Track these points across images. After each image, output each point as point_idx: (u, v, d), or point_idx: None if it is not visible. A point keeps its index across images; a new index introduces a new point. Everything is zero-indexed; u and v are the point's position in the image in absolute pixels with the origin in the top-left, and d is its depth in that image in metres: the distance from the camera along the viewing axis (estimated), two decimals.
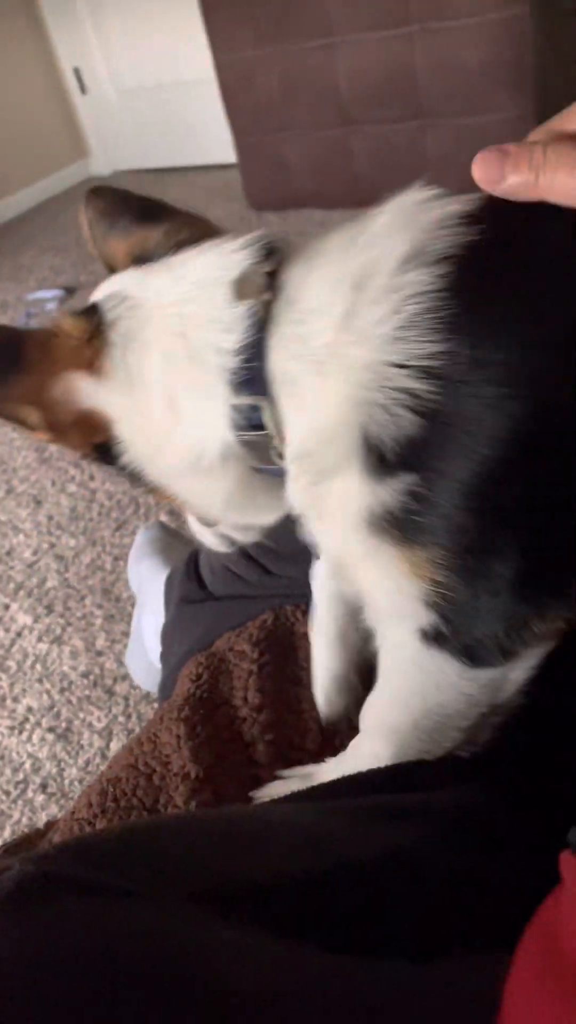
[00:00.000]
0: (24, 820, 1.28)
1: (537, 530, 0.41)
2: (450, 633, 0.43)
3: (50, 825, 0.66)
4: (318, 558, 0.60)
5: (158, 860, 0.36)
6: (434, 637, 0.44)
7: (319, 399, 0.45)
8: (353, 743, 0.53)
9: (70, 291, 3.06)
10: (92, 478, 2.01)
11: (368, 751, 0.51)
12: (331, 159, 3.00)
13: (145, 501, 1.87)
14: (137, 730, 1.37)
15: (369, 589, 0.47)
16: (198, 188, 3.69)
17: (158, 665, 1.05)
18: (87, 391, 0.50)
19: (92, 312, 0.52)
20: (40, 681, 1.51)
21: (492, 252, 0.42)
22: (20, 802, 1.31)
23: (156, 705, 1.40)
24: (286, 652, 0.66)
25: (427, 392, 0.41)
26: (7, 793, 1.33)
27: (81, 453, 0.53)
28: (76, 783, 1.32)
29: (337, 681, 0.62)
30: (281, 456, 0.48)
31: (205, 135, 3.73)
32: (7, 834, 1.27)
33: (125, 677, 1.47)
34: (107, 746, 1.36)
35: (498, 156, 0.40)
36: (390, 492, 0.43)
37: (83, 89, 4.11)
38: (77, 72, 4.06)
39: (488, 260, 0.42)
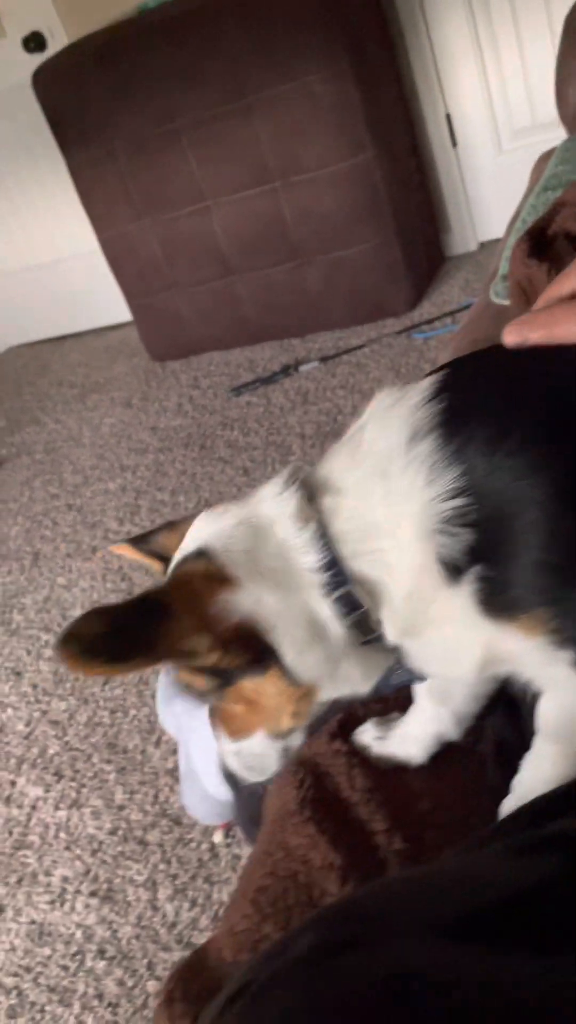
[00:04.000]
0: (90, 991, 1.27)
1: None
2: None
3: (201, 951, 0.69)
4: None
5: (396, 909, 0.44)
6: None
7: (401, 552, 0.57)
8: (536, 746, 0.62)
9: None
10: None
11: (554, 751, 0.61)
12: (220, 306, 3.25)
13: None
14: (181, 874, 1.39)
15: (513, 658, 0.57)
16: (98, 349, 3.89)
17: (219, 797, 1.11)
18: (235, 601, 0.60)
19: (199, 555, 0.62)
20: (68, 848, 1.51)
21: (461, 406, 0.57)
22: (81, 973, 1.30)
23: (195, 845, 1.43)
24: None
25: (466, 505, 0.54)
26: (65, 968, 1.32)
27: (237, 666, 0.61)
28: (134, 940, 1.32)
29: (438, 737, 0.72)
30: (379, 622, 0.60)
31: (95, 300, 3.96)
32: (76, 1009, 1.25)
33: (155, 825, 1.49)
34: (155, 897, 1.37)
35: (519, 325, 0.55)
36: (470, 585, 0.55)
37: None
38: None
39: (461, 409, 0.56)
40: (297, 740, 0.67)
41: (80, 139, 3.08)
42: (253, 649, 0.60)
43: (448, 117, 3.07)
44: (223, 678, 0.62)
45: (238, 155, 2.90)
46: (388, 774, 0.72)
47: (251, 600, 0.60)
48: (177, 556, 0.67)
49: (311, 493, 0.62)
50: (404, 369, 2.64)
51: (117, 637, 0.54)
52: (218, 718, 0.68)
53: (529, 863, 0.54)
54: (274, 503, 0.62)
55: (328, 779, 0.73)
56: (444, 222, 3.26)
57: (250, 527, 0.63)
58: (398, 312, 3.01)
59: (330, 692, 0.64)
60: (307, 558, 0.60)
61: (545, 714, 0.61)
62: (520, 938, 0.45)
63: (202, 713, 1.11)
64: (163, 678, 1.29)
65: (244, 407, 2.84)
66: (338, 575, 0.59)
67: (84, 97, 2.98)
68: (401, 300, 3.01)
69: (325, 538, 0.59)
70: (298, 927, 0.43)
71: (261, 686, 0.62)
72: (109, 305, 3.85)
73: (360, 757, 0.74)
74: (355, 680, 0.64)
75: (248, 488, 2.34)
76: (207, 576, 0.60)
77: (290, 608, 0.60)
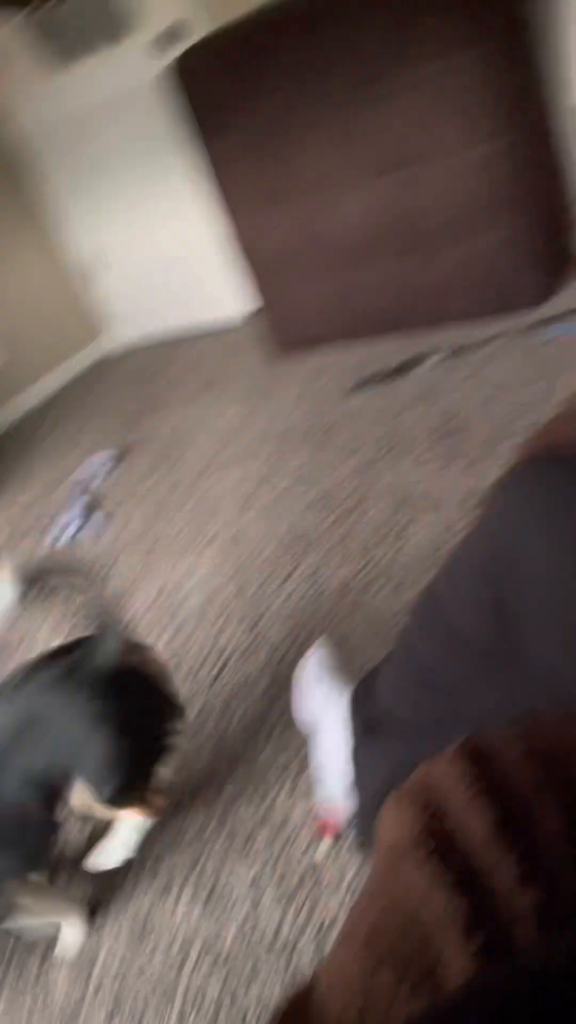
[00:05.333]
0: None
1: None
2: None
3: (306, 991, 0.67)
4: None
5: None
6: None
7: None
8: None
9: (122, 452, 3.23)
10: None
11: None
12: (345, 297, 3.21)
13: None
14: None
15: None
16: (220, 345, 3.91)
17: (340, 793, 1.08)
18: None
19: None
20: None
21: None
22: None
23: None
24: None
25: None
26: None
27: None
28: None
29: None
30: None
31: (217, 298, 4.02)
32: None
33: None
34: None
35: None
36: None
37: (97, 274, 4.43)
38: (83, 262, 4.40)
39: None
40: None
41: (219, 130, 3.09)
42: None
43: None
44: None
45: (369, 143, 2.85)
46: (519, 805, 0.67)
47: None
48: None
49: None
50: (531, 367, 2.53)
51: None
52: None
53: None
54: None
55: (448, 811, 0.69)
56: None
57: None
58: (528, 306, 2.89)
59: None
60: None
61: None
62: None
63: (343, 699, 1.09)
64: (313, 656, 1.26)
65: (365, 401, 2.80)
66: None
67: (224, 87, 2.98)
68: (532, 294, 2.89)
69: None
70: None
71: None
72: (232, 303, 3.91)
73: (486, 782, 0.69)
74: None
75: (367, 480, 2.30)
76: None
77: None
